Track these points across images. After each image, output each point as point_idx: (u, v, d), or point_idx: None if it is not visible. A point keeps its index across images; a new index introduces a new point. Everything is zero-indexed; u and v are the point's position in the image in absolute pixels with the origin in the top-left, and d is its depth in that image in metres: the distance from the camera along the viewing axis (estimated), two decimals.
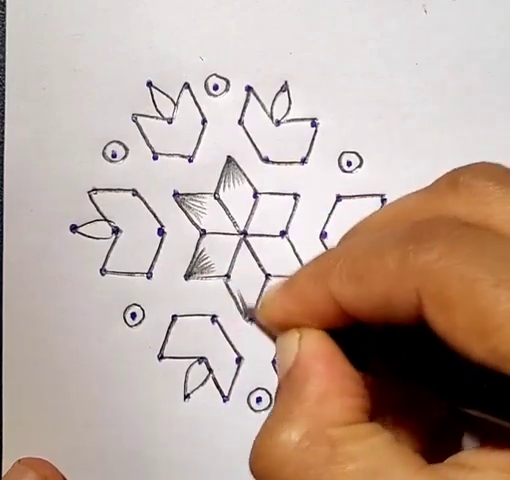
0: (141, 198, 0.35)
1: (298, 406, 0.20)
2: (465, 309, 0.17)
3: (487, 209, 0.20)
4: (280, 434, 0.20)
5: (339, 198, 0.35)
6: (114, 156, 0.35)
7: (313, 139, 0.35)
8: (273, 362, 0.35)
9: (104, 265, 0.35)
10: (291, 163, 0.35)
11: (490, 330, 0.17)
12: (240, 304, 0.35)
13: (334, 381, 0.20)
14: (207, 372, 0.35)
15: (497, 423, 0.18)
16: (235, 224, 0.35)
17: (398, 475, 0.18)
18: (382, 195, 0.35)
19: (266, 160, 0.35)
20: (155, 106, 0.35)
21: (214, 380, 0.35)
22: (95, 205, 0.35)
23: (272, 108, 0.35)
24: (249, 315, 0.32)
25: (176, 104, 0.35)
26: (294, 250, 0.35)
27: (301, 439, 0.20)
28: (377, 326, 0.20)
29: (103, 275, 0.35)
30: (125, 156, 0.35)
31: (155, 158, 0.35)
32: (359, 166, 0.35)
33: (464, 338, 0.17)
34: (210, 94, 0.35)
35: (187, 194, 0.35)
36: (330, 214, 0.35)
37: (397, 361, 0.21)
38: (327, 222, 0.35)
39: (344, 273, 0.20)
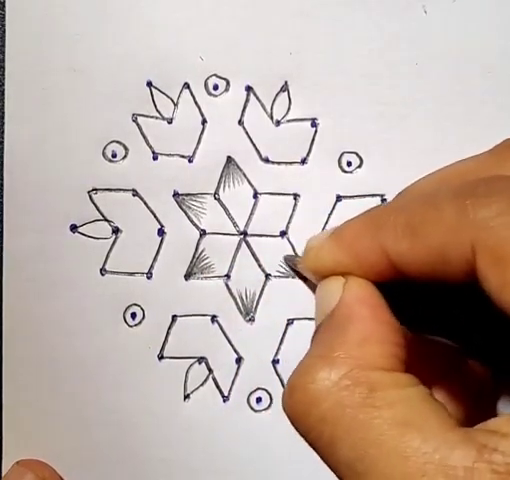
0: (141, 198, 0.35)
1: (340, 346, 0.20)
2: None
3: None
4: (319, 371, 0.20)
5: (339, 198, 0.35)
6: (114, 156, 0.35)
7: (313, 139, 0.35)
8: (273, 362, 0.35)
9: (104, 265, 0.35)
10: (291, 163, 0.35)
11: None
12: (240, 304, 0.35)
13: (377, 326, 0.20)
14: (207, 372, 0.35)
15: None
16: (235, 224, 0.35)
17: (431, 430, 0.18)
18: (382, 195, 0.35)
19: (266, 160, 0.35)
20: (155, 106, 0.35)
21: (214, 380, 0.35)
22: (95, 205, 0.35)
23: (272, 108, 0.35)
24: (289, 263, 0.33)
25: (176, 104, 0.35)
26: (294, 250, 0.35)
27: (341, 378, 0.20)
28: (420, 284, 0.20)
29: (103, 275, 0.35)
30: (125, 156, 0.35)
31: (155, 158, 0.35)
32: (359, 166, 0.35)
33: None
34: (210, 94, 0.35)
35: (187, 194, 0.35)
36: (330, 214, 0.35)
37: (436, 320, 0.21)
38: (327, 222, 0.35)
39: (399, 226, 0.20)
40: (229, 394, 0.35)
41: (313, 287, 0.24)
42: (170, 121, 0.35)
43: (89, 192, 0.35)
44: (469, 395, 0.23)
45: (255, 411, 0.35)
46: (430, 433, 0.18)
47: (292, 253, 0.34)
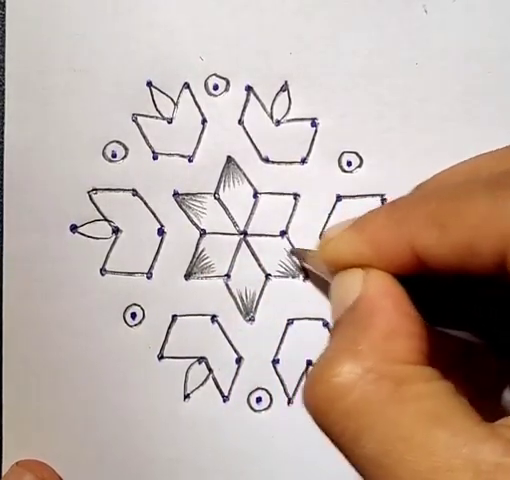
0: (141, 198, 0.35)
1: (364, 339, 0.20)
2: None
3: None
4: (344, 364, 0.20)
5: (339, 198, 0.35)
6: (114, 156, 0.35)
7: (313, 139, 0.35)
8: (273, 362, 0.35)
9: (104, 265, 0.35)
10: (291, 163, 0.35)
11: None
12: (240, 304, 0.35)
13: (401, 319, 0.20)
14: (207, 372, 0.35)
15: None
16: (235, 224, 0.35)
17: (459, 424, 0.18)
18: (382, 195, 0.35)
19: (266, 160, 0.35)
20: (155, 106, 0.35)
21: (214, 380, 0.35)
22: (95, 205, 0.35)
23: (272, 108, 0.35)
24: (296, 256, 0.33)
25: (176, 104, 0.35)
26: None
27: (367, 371, 0.19)
28: (442, 278, 0.20)
29: (103, 275, 0.35)
30: (125, 156, 0.35)
31: (155, 158, 0.35)
32: (359, 166, 0.35)
33: None
34: (210, 94, 0.35)
35: (187, 194, 0.35)
36: (330, 214, 0.35)
37: (458, 314, 0.20)
38: (327, 222, 0.35)
39: (426, 217, 0.20)
40: (229, 394, 0.35)
41: (319, 282, 0.24)
42: (170, 121, 0.35)
43: (89, 192, 0.35)
44: (475, 389, 0.23)
45: (255, 411, 0.35)
46: (458, 428, 0.18)
47: (300, 248, 0.34)
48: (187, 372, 0.35)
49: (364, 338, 0.20)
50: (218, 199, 0.35)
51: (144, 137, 0.35)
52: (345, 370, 0.19)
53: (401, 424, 0.18)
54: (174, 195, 0.35)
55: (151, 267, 0.35)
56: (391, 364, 0.19)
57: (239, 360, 0.35)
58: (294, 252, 0.34)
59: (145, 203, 0.35)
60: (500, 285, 0.18)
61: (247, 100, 0.35)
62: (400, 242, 0.20)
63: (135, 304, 0.35)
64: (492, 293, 0.18)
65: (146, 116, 0.35)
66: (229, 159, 0.35)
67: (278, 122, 0.35)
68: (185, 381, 0.35)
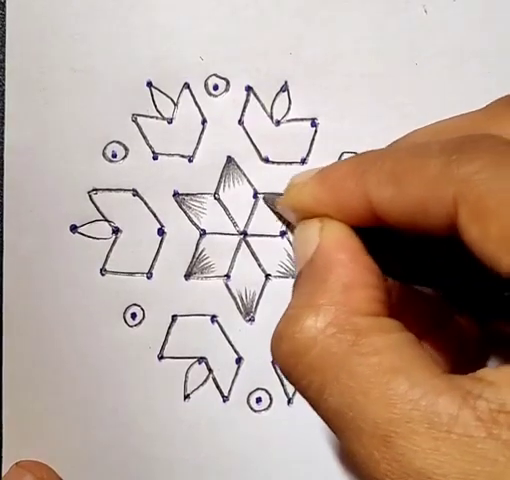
0: (141, 198, 0.35)
1: (323, 294, 0.20)
2: (500, 220, 0.17)
3: None
4: (306, 320, 0.20)
5: None
6: (114, 156, 0.35)
7: (313, 139, 0.35)
8: (273, 362, 0.35)
9: (104, 265, 0.35)
10: (291, 163, 0.35)
11: None
12: (240, 304, 0.35)
13: (358, 271, 0.20)
14: (207, 372, 0.35)
15: None
16: (235, 224, 0.35)
17: (418, 376, 0.18)
18: None
19: (266, 160, 0.35)
20: (155, 106, 0.35)
21: (214, 380, 0.35)
22: (95, 205, 0.35)
23: (272, 108, 0.35)
24: (268, 202, 0.33)
25: (176, 104, 0.35)
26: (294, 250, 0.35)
27: (327, 326, 0.20)
28: (398, 233, 0.20)
29: (103, 275, 0.35)
30: (125, 156, 0.35)
31: (155, 158, 0.35)
32: None
33: (495, 249, 0.17)
34: (210, 94, 0.35)
35: (187, 194, 0.35)
36: None
37: (424, 271, 0.20)
38: None
39: (384, 173, 0.20)
40: (229, 394, 0.35)
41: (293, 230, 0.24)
42: (170, 121, 0.35)
43: (89, 192, 0.35)
44: (457, 349, 0.23)
45: (255, 411, 0.35)
46: (417, 379, 0.18)
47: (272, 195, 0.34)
48: (187, 372, 0.35)
49: (322, 292, 0.20)
50: (218, 199, 0.35)
51: (144, 137, 0.35)
52: (306, 325, 0.20)
53: (360, 377, 0.19)
54: (174, 195, 0.35)
55: (151, 267, 0.35)
56: (350, 316, 0.20)
57: (239, 360, 0.35)
58: (266, 199, 0.34)
59: (145, 203, 0.35)
60: (453, 245, 0.18)
61: (247, 100, 0.35)
62: (358, 194, 0.21)
63: (135, 304, 0.35)
64: (454, 251, 0.19)
65: (146, 116, 0.35)
66: (229, 159, 0.35)
67: (278, 122, 0.35)
68: (185, 381, 0.35)
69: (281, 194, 0.35)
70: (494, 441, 0.17)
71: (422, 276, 0.21)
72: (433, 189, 0.19)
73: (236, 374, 0.35)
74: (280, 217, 0.33)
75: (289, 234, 0.35)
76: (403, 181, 0.19)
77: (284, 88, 0.35)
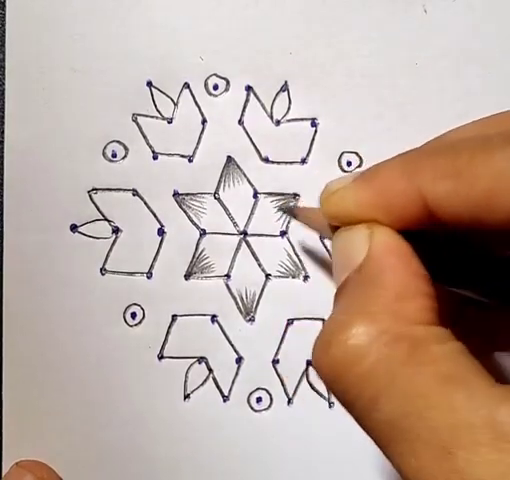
0: (141, 198, 0.35)
1: (376, 301, 0.19)
2: None
3: None
4: (358, 327, 0.19)
5: None
6: (114, 156, 0.35)
7: (313, 139, 0.35)
8: (273, 362, 0.35)
9: (104, 265, 0.35)
10: (291, 163, 0.35)
11: None
12: (240, 304, 0.35)
13: (411, 279, 0.20)
14: (207, 372, 0.35)
15: None
16: (235, 224, 0.35)
17: (476, 385, 0.18)
18: None
19: (266, 160, 0.35)
20: (155, 106, 0.35)
21: (214, 380, 0.35)
22: (95, 205, 0.35)
23: (272, 108, 0.35)
24: (287, 213, 0.32)
25: (176, 104, 0.35)
26: (294, 250, 0.35)
27: (381, 334, 0.19)
28: (450, 235, 0.19)
29: (103, 275, 0.35)
30: (125, 156, 0.35)
31: (155, 158, 0.35)
32: (359, 166, 0.35)
33: None
34: (210, 94, 0.35)
35: (187, 194, 0.35)
36: None
37: (466, 272, 0.20)
38: None
39: (441, 168, 0.19)
40: (229, 394, 0.35)
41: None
42: (170, 121, 0.35)
43: (89, 192, 0.35)
44: (474, 345, 0.23)
45: (255, 411, 0.35)
46: (475, 388, 0.18)
47: (291, 202, 0.34)
48: (187, 372, 0.35)
49: (376, 299, 0.19)
50: (218, 199, 0.35)
51: (144, 137, 0.35)
52: (360, 332, 0.19)
53: (419, 385, 0.18)
54: (174, 195, 0.35)
55: (151, 267, 0.35)
56: (405, 325, 0.19)
57: (239, 360, 0.35)
58: (284, 209, 0.33)
59: (145, 203, 0.35)
60: None
61: (247, 100, 0.35)
62: (411, 194, 0.20)
63: (135, 304, 0.35)
64: (503, 253, 0.18)
65: (146, 116, 0.35)
66: (229, 159, 0.35)
67: (278, 122, 0.35)
68: (185, 381, 0.35)
69: (281, 194, 0.35)
70: None
71: (469, 280, 0.20)
72: (498, 182, 0.18)
73: (236, 374, 0.35)
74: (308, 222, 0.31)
75: (289, 234, 0.35)
76: (464, 175, 0.18)
77: (284, 88, 0.35)
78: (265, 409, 0.35)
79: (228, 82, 0.35)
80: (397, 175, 0.20)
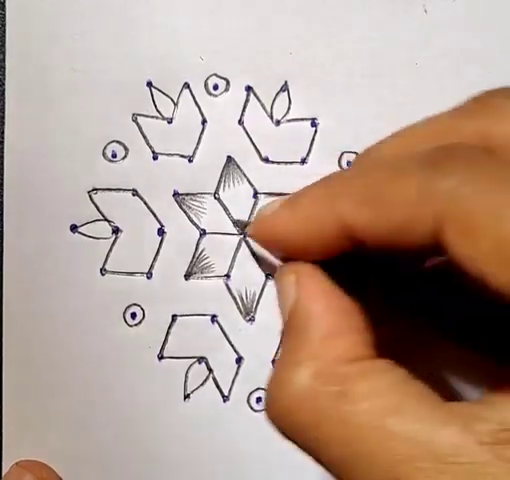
0: (141, 198, 0.35)
1: (303, 350, 0.20)
2: (490, 235, 0.17)
3: None
4: (289, 379, 0.20)
5: None
6: (114, 156, 0.35)
7: (313, 139, 0.35)
8: (273, 362, 0.35)
9: (104, 265, 0.35)
10: (291, 163, 0.35)
11: None
12: (240, 304, 0.35)
13: (335, 319, 0.20)
14: (207, 372, 0.35)
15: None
16: (235, 224, 0.35)
17: (412, 413, 0.18)
18: None
19: (266, 160, 0.35)
20: (155, 106, 0.35)
21: (214, 380, 0.35)
22: (95, 205, 0.35)
23: (272, 108, 0.35)
24: (241, 229, 0.32)
25: (176, 104, 0.35)
26: None
27: (310, 381, 0.19)
28: (377, 256, 0.20)
29: (103, 275, 0.35)
30: (125, 156, 0.35)
31: (155, 158, 0.35)
32: None
33: (487, 266, 0.17)
34: (210, 94, 0.35)
35: (187, 194, 0.35)
36: None
37: (395, 291, 0.20)
38: None
39: (359, 195, 0.19)
40: (229, 394, 0.35)
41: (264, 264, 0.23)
42: (170, 121, 0.35)
43: (89, 192, 0.35)
44: (436, 369, 0.23)
45: (255, 411, 0.35)
46: (411, 417, 0.18)
47: (245, 218, 0.34)
48: (187, 372, 0.35)
49: (302, 347, 0.20)
50: (218, 199, 0.35)
51: (144, 137, 0.35)
52: (290, 385, 0.20)
53: (354, 426, 0.18)
54: (174, 195, 0.35)
55: (151, 267, 0.35)
56: (333, 366, 0.19)
57: (239, 360, 0.35)
58: (236, 223, 0.33)
59: (145, 203, 0.35)
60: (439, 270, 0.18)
61: (247, 100, 0.35)
62: (333, 220, 0.20)
63: (135, 304, 0.35)
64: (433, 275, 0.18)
65: (146, 116, 0.35)
66: (229, 159, 0.35)
67: (278, 122, 0.35)
68: (185, 381, 0.35)
69: (281, 194, 0.35)
70: (501, 462, 0.17)
71: (408, 302, 0.20)
72: (415, 208, 0.18)
73: (236, 374, 0.35)
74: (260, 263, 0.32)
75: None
76: (381, 202, 0.19)
77: (284, 88, 0.35)
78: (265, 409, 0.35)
79: (228, 82, 0.35)
80: (320, 201, 0.20)
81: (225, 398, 0.35)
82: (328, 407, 0.19)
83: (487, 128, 0.19)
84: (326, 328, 0.20)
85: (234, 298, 0.35)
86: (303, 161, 0.35)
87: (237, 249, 0.35)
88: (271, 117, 0.35)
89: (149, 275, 0.35)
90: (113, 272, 0.35)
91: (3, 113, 0.34)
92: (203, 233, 0.35)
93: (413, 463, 0.17)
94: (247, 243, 0.33)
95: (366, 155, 0.23)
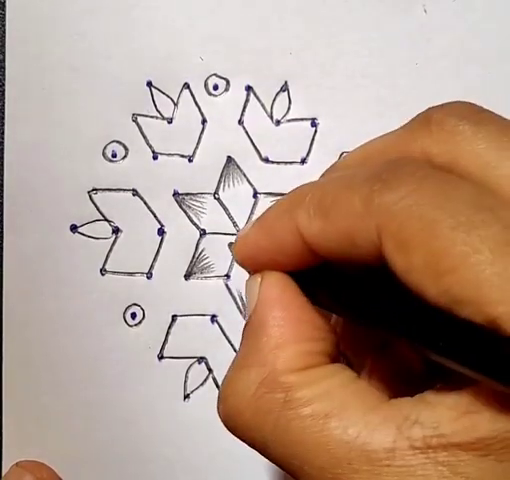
0: (141, 198, 0.35)
1: (254, 354, 0.21)
2: (422, 249, 0.17)
3: (456, 149, 0.20)
4: (237, 383, 0.21)
5: None
6: (114, 156, 0.35)
7: (313, 139, 0.35)
8: None
9: (104, 265, 0.35)
10: (291, 163, 0.35)
11: (444, 271, 0.17)
12: (240, 304, 0.35)
13: (290, 327, 0.21)
14: (207, 372, 0.35)
15: (449, 365, 0.18)
16: (235, 224, 0.35)
17: (351, 417, 0.19)
18: None
19: (266, 160, 0.35)
20: (155, 106, 0.35)
21: (214, 380, 0.35)
22: (95, 205, 0.35)
23: (272, 108, 0.35)
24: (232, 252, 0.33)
25: (176, 104, 0.35)
26: None
27: (257, 387, 0.20)
28: (343, 267, 0.20)
29: (103, 275, 0.35)
30: (125, 156, 0.35)
31: (155, 158, 0.35)
32: None
33: (419, 278, 0.17)
34: (210, 94, 0.35)
35: (187, 194, 0.35)
36: None
37: (360, 303, 0.20)
38: None
39: (312, 207, 0.20)
40: None
41: None
42: (170, 121, 0.35)
43: (89, 192, 0.35)
44: (405, 371, 0.23)
45: None
46: (350, 420, 0.19)
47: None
48: (187, 372, 0.35)
49: (254, 353, 0.21)
50: (218, 199, 0.35)
51: (144, 137, 0.35)
52: (238, 389, 0.20)
53: (295, 429, 0.19)
54: (174, 195, 0.35)
55: (151, 267, 0.35)
56: (279, 375, 0.20)
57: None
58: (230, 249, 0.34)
59: (145, 203, 0.35)
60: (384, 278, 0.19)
61: (247, 100, 0.35)
62: (292, 232, 0.20)
63: (135, 304, 0.35)
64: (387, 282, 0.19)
65: (146, 116, 0.35)
66: (229, 159, 0.35)
67: (278, 122, 0.35)
68: (185, 381, 0.35)
69: (281, 194, 0.35)
70: (433, 465, 0.17)
71: (363, 310, 0.21)
72: (357, 221, 0.19)
73: None
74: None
75: None
76: (330, 214, 0.19)
77: (284, 88, 0.35)
78: None
79: (228, 82, 0.35)
80: (282, 214, 0.21)
81: None
82: (272, 413, 0.20)
83: (428, 147, 0.20)
84: (277, 337, 0.21)
85: (234, 298, 0.35)
86: (303, 161, 0.35)
87: None
88: (271, 117, 0.35)
89: (149, 275, 0.35)
90: (113, 272, 0.35)
91: (3, 113, 0.34)
92: (203, 233, 0.35)
93: (351, 465, 0.18)
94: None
95: (331, 169, 0.24)
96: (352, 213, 0.19)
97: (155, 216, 0.35)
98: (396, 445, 0.18)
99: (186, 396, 0.35)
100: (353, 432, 0.18)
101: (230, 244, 0.35)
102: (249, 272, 0.23)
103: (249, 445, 0.21)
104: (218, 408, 0.21)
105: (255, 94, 0.35)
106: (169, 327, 0.35)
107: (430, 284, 0.17)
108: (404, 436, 0.18)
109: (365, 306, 0.20)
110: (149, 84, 0.34)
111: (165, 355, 0.35)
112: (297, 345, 0.20)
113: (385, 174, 0.19)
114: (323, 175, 0.24)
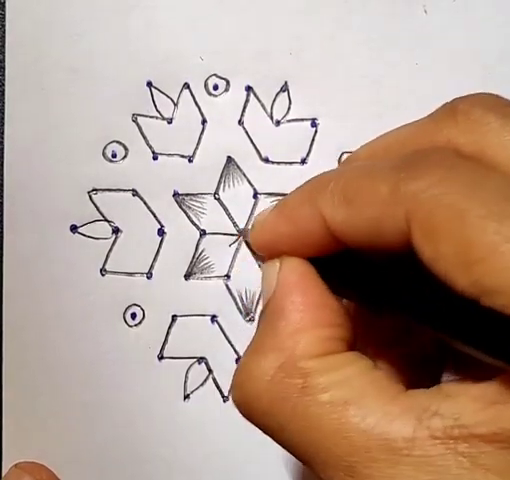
0: (141, 198, 0.35)
1: (272, 339, 0.20)
2: (451, 238, 0.17)
3: (483, 139, 0.19)
4: (255, 368, 0.20)
5: None
6: (114, 156, 0.35)
7: (313, 139, 0.35)
8: None
9: (104, 265, 0.35)
10: (291, 163, 0.35)
11: (474, 261, 0.17)
12: (240, 304, 0.35)
13: (309, 312, 0.20)
14: (207, 372, 0.35)
15: (477, 355, 0.18)
16: (235, 224, 0.35)
17: (370, 405, 0.19)
18: None
19: (266, 160, 0.35)
20: (155, 106, 0.35)
21: (214, 380, 0.35)
22: (95, 205, 0.35)
23: (272, 108, 0.35)
24: (244, 237, 0.33)
25: (176, 104, 0.35)
26: None
27: (275, 372, 0.20)
28: (366, 254, 0.20)
29: (103, 275, 0.35)
30: (125, 156, 0.35)
31: (155, 158, 0.35)
32: None
33: (448, 267, 0.17)
34: (210, 94, 0.35)
35: (187, 194, 0.35)
36: None
37: (384, 291, 0.20)
38: None
39: (336, 195, 0.20)
40: (229, 394, 0.35)
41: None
42: (170, 121, 0.35)
43: (89, 192, 0.35)
44: (419, 362, 0.23)
45: None
46: (369, 409, 0.18)
47: (248, 226, 0.34)
48: (187, 372, 0.35)
49: (272, 337, 0.20)
50: (218, 199, 0.35)
51: (144, 137, 0.35)
52: (255, 374, 0.20)
53: (313, 416, 0.19)
54: (174, 195, 0.35)
55: (151, 267, 0.35)
56: (298, 360, 0.20)
57: (239, 360, 0.35)
58: (241, 232, 0.34)
59: (145, 203, 0.35)
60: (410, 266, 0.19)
61: (247, 100, 0.35)
62: (315, 219, 0.20)
63: (135, 304, 0.35)
64: (412, 270, 0.19)
65: (146, 116, 0.35)
66: (229, 159, 0.35)
67: (278, 122, 0.35)
68: (185, 381, 0.35)
69: (281, 194, 0.35)
70: (453, 456, 0.17)
71: (384, 298, 0.21)
72: (385, 209, 0.19)
73: None
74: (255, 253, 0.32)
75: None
76: (355, 202, 0.19)
77: (284, 88, 0.35)
78: None
79: (228, 82, 0.35)
80: (303, 201, 0.21)
81: (225, 398, 0.35)
82: (290, 398, 0.19)
83: (455, 137, 0.20)
84: (296, 322, 0.20)
85: (234, 298, 0.35)
86: (303, 161, 0.35)
87: (237, 249, 0.35)
88: (271, 117, 0.35)
89: (149, 275, 0.35)
90: (113, 272, 0.35)
91: (3, 113, 0.34)
92: (203, 233, 0.35)
93: (368, 454, 0.18)
94: (247, 244, 0.34)
95: (349, 158, 0.24)
96: (379, 201, 0.19)
97: (155, 216, 0.35)
98: (416, 435, 0.18)
99: (186, 396, 0.35)
100: (372, 421, 0.18)
101: (241, 231, 0.34)
102: (258, 260, 0.23)
103: (264, 431, 0.21)
104: (232, 394, 0.21)
105: (255, 94, 0.35)
106: (169, 327, 0.35)
107: (459, 273, 0.17)
108: (424, 426, 0.18)
109: (390, 294, 0.20)
110: (149, 84, 0.34)
111: (165, 355, 0.35)
112: (316, 330, 0.20)
113: (413, 162, 0.19)
114: (342, 164, 0.24)
